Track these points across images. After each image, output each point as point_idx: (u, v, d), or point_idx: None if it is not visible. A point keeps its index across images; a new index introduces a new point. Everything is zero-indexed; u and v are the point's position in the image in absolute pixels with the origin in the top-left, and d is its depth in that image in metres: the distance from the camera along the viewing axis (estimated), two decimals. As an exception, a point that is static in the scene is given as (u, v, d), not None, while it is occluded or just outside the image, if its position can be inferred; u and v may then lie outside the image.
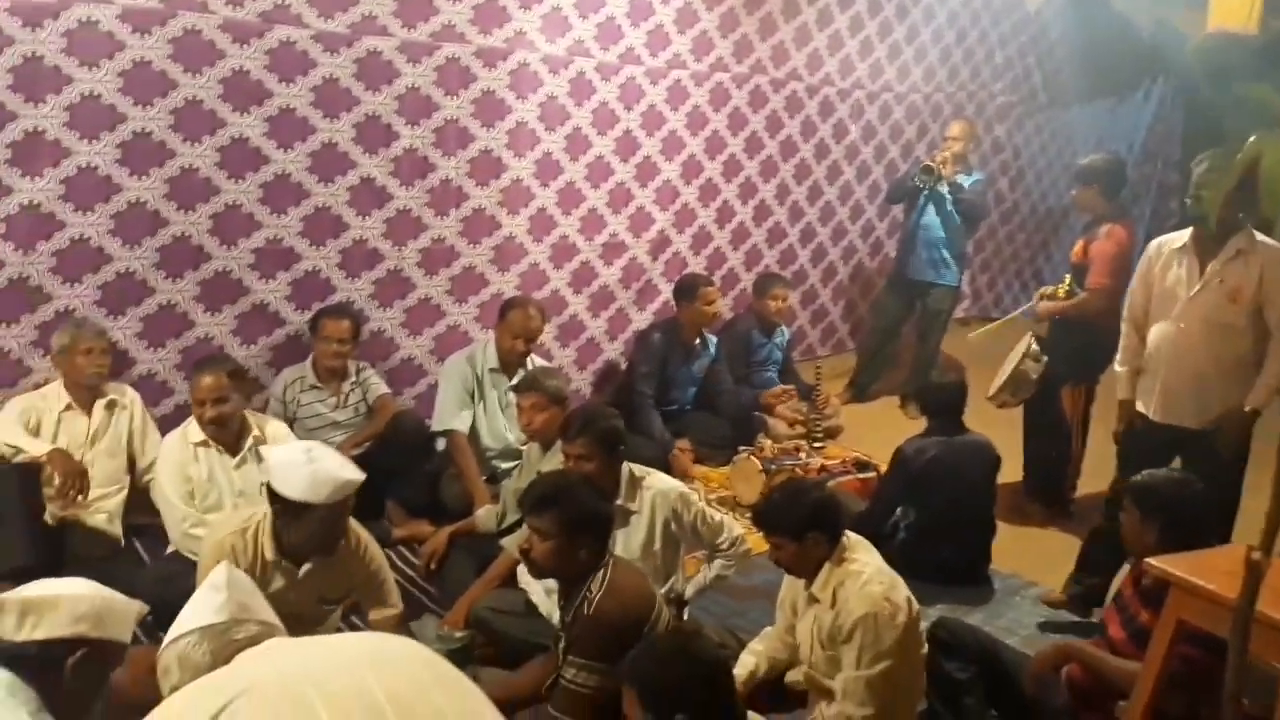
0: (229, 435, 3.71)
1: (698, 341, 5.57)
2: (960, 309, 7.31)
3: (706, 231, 6.20)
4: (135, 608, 2.14)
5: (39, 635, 1.96)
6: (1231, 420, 3.70)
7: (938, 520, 4.11)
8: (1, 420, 3.77)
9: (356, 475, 2.89)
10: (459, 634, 3.37)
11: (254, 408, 4.27)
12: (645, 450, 4.71)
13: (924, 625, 2.99)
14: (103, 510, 3.85)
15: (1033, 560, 4.32)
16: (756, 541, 3.40)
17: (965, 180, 6.15)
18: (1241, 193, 3.67)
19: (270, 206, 4.54)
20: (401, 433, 4.37)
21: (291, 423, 4.27)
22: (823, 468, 4.99)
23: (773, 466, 4.83)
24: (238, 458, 3.72)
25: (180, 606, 1.94)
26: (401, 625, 3.12)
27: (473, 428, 4.58)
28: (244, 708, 1.57)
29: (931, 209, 6.19)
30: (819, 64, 6.48)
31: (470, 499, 4.27)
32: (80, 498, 3.66)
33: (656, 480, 3.44)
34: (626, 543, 3.31)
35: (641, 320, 5.94)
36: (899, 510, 4.26)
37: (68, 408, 3.88)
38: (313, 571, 2.98)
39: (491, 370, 4.65)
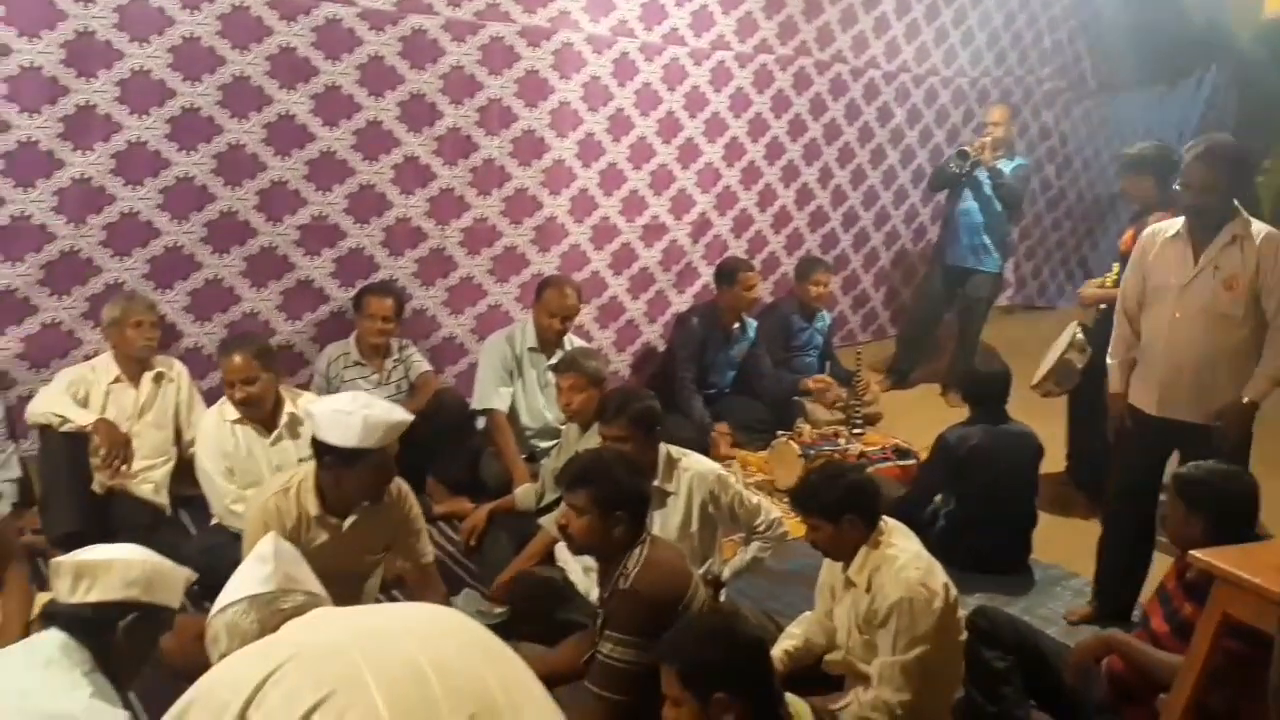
0: (262, 413, 3.73)
1: (737, 325, 5.55)
2: (1004, 297, 7.25)
3: (748, 214, 6.17)
4: (184, 574, 2.19)
5: (92, 598, 2.02)
6: (1230, 413, 3.54)
7: (978, 509, 4.09)
8: (51, 390, 3.84)
9: (406, 416, 2.96)
10: (498, 609, 3.41)
11: (297, 384, 4.32)
12: (683, 432, 4.71)
13: (963, 613, 2.97)
14: (149, 481, 3.92)
15: (1075, 551, 4.27)
16: (794, 526, 3.40)
17: (1007, 166, 6.07)
18: (1234, 178, 3.50)
19: (315, 184, 4.58)
20: (443, 410, 4.40)
21: (334, 399, 4.30)
22: (862, 454, 4.97)
23: (811, 451, 4.82)
24: (273, 435, 3.75)
25: (224, 576, 1.97)
26: (433, 575, 3.23)
27: (512, 407, 4.61)
28: (292, 672, 1.60)
29: (971, 195, 6.13)
30: (865, 46, 6.43)
31: (509, 477, 4.30)
32: (124, 467, 3.73)
33: (694, 462, 3.44)
34: (664, 524, 3.31)
35: (681, 303, 5.93)
36: (939, 498, 4.24)
37: (116, 380, 3.95)
38: (356, 524, 3.03)
39: (530, 350, 4.67)
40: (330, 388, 4.40)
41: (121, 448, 3.72)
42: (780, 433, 5.09)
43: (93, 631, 2.00)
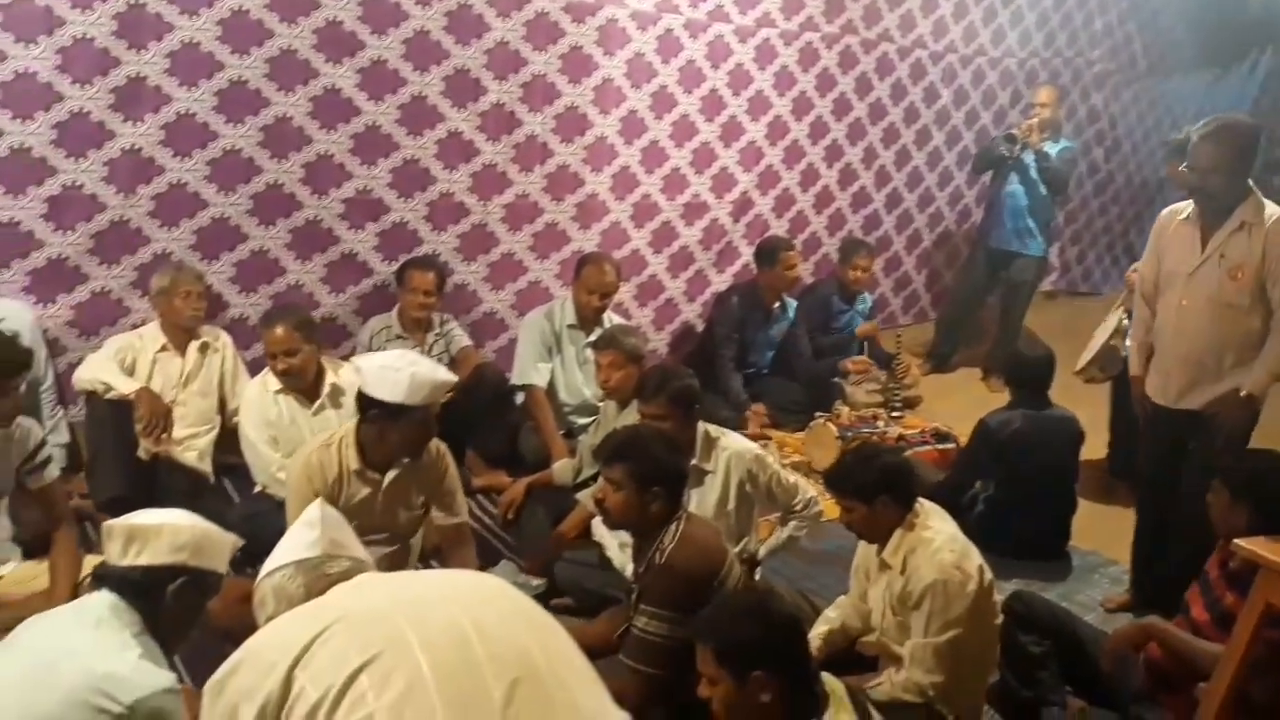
0: (304, 384, 3.78)
1: (777, 305, 5.54)
2: (1048, 282, 7.18)
3: (790, 194, 6.14)
4: (231, 540, 2.23)
5: (143, 561, 2.06)
6: (1227, 404, 3.41)
7: (1017, 494, 4.06)
8: (98, 357, 3.91)
9: (450, 377, 3.08)
10: (535, 582, 3.44)
11: (340, 355, 4.36)
12: (721, 411, 4.72)
13: (1000, 598, 2.96)
14: (193, 448, 3.99)
15: (1114, 538, 4.23)
16: (829, 507, 3.39)
17: (1053, 148, 5.99)
18: (1243, 160, 3.33)
19: (360, 158, 4.61)
20: (483, 384, 4.43)
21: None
22: (901, 437, 4.95)
23: (849, 434, 4.81)
24: (315, 404, 3.80)
25: (266, 543, 2.01)
26: (466, 533, 3.33)
27: (550, 383, 4.63)
28: (339, 634, 1.63)
29: (1016, 177, 6.05)
30: (912, 25, 6.35)
31: (547, 452, 4.33)
32: (164, 436, 3.79)
33: (732, 441, 3.44)
34: (701, 502, 3.32)
35: (720, 282, 5.92)
36: (978, 482, 4.22)
37: (163, 348, 4.01)
38: (395, 480, 3.12)
39: (569, 326, 4.69)
40: (372, 360, 4.45)
41: (162, 417, 3.78)
42: (818, 414, 5.08)
43: (142, 594, 2.05)
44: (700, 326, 5.87)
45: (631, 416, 3.62)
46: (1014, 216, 6.08)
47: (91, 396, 3.81)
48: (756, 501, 3.45)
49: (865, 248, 5.96)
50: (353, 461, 3.08)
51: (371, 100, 4.56)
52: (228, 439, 4.04)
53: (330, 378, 3.84)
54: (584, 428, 4.51)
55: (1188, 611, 2.97)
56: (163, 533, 2.09)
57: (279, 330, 3.69)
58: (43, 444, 3.04)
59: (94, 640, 1.97)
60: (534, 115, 5.01)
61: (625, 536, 3.13)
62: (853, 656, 3.00)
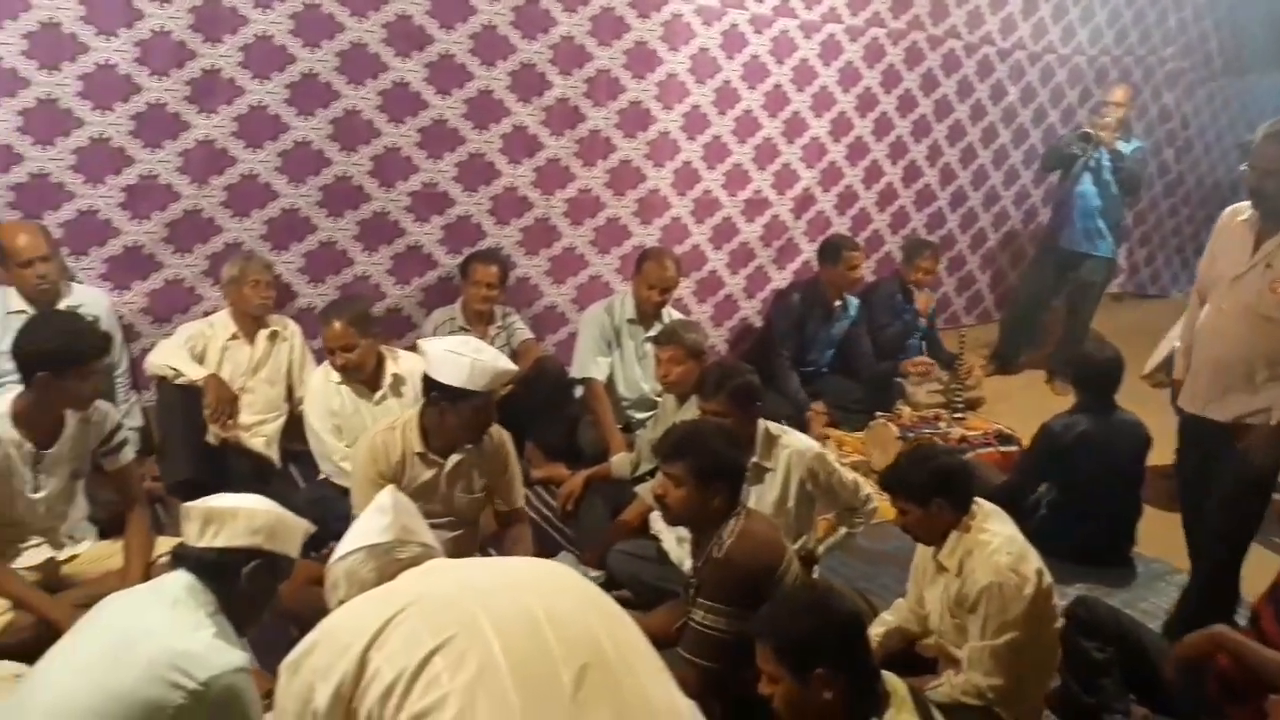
0: (364, 375, 3.84)
1: (838, 303, 5.50)
2: (1115, 283, 7.04)
3: (853, 191, 6.10)
4: (304, 525, 2.27)
5: (219, 543, 2.11)
6: (1258, 439, 3.19)
7: (1081, 498, 4.00)
8: (169, 344, 4.01)
9: (511, 366, 3.16)
10: (594, 574, 3.46)
11: (404, 346, 4.42)
12: (780, 410, 4.70)
13: (1062, 603, 2.92)
14: (261, 434, 4.07)
15: (1180, 546, 4.15)
16: (885, 506, 3.37)
17: (1125, 148, 5.88)
18: None
19: (427, 151, 4.67)
20: (543, 377, 4.46)
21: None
22: (963, 438, 4.90)
23: (910, 434, 4.77)
24: (377, 395, 3.85)
25: (331, 528, 2.05)
26: (523, 517, 3.43)
27: (609, 377, 4.65)
28: (412, 617, 1.67)
29: (1088, 177, 5.94)
30: (980, 21, 6.28)
31: (605, 445, 4.35)
32: (231, 422, 3.87)
33: (793, 439, 3.43)
34: (760, 500, 3.31)
35: (780, 279, 5.90)
36: (1041, 486, 4.16)
37: (233, 337, 4.09)
38: (457, 464, 3.19)
39: (629, 321, 4.70)
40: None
41: (228, 404, 3.87)
42: (879, 414, 5.04)
43: (217, 575, 2.10)
44: (759, 323, 5.85)
45: (690, 412, 3.62)
46: (1084, 217, 5.98)
47: (162, 382, 3.91)
48: (818, 499, 3.43)
49: (930, 248, 5.89)
50: (416, 445, 3.15)
51: (439, 94, 4.61)
52: (294, 426, 4.12)
53: (391, 367, 3.88)
54: (642, 422, 4.52)
55: (1257, 622, 2.90)
56: (239, 516, 2.14)
57: (335, 326, 3.75)
58: (119, 427, 3.13)
59: (171, 619, 2.01)
60: (598, 110, 5.03)
61: (683, 531, 3.14)
62: (910, 658, 2.99)
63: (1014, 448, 4.81)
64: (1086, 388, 4.18)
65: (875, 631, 3.02)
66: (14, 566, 2.95)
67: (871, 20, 5.82)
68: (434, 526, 2.13)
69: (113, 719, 1.86)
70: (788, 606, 2.23)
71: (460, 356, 3.01)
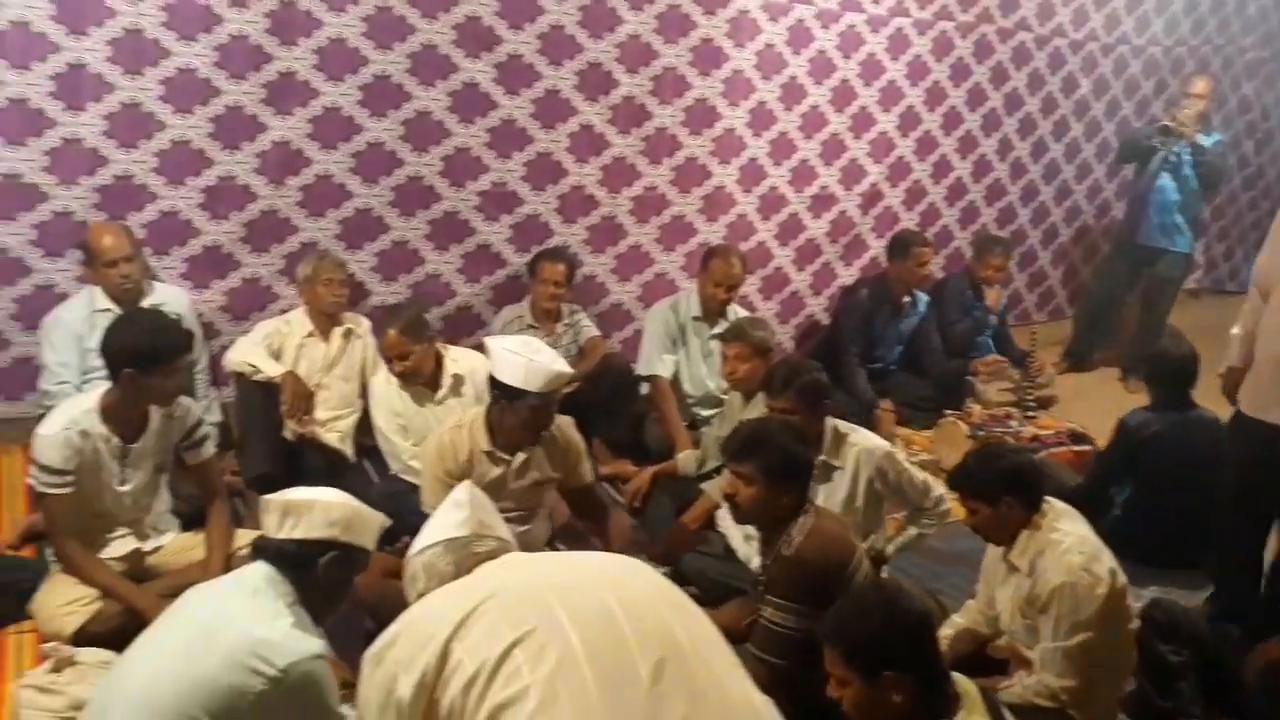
0: (424, 378, 3.88)
1: (906, 299, 5.44)
2: (1192, 279, 6.86)
3: (921, 186, 6.03)
4: (379, 519, 2.32)
5: (297, 535, 2.17)
6: None
7: (1158, 498, 3.92)
8: (247, 341, 4.10)
9: (567, 369, 3.20)
10: (660, 570, 3.46)
11: (473, 345, 4.47)
12: (848, 408, 4.67)
13: (1138, 605, 2.88)
14: (336, 430, 4.14)
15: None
16: (957, 506, 3.34)
17: (1205, 141, 5.74)
18: None
19: (496, 151, 4.72)
20: (609, 374, 4.50)
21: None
22: (1035, 437, 4.82)
23: (981, 432, 4.71)
24: (439, 395, 3.89)
25: (403, 522, 2.10)
26: (597, 493, 3.53)
27: (675, 374, 4.66)
28: (493, 608, 1.71)
29: (1166, 171, 5.81)
30: (1051, 13, 6.16)
31: (671, 442, 4.36)
32: (307, 417, 3.96)
33: (861, 437, 3.42)
34: (828, 498, 3.30)
35: (848, 275, 5.86)
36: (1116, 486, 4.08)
37: (309, 334, 4.17)
38: (525, 461, 3.24)
39: (694, 318, 4.71)
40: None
41: (304, 400, 3.96)
42: (948, 412, 4.99)
43: (296, 566, 2.16)
44: (826, 320, 5.82)
45: (757, 409, 3.62)
46: (1161, 211, 5.84)
47: (240, 378, 4.00)
48: (886, 498, 3.41)
49: (1001, 244, 5.79)
50: (482, 443, 3.21)
51: (507, 94, 4.67)
52: (368, 422, 4.16)
53: (451, 367, 3.91)
54: (707, 419, 4.53)
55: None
56: (315, 508, 2.19)
57: (390, 334, 3.80)
58: (200, 422, 3.22)
59: (251, 608, 2.08)
60: (664, 108, 5.05)
61: (750, 528, 3.14)
62: (981, 660, 2.96)
63: (1087, 447, 4.72)
64: (1161, 385, 4.09)
65: (945, 634, 3.00)
66: (101, 557, 3.06)
67: (940, 14, 5.75)
68: (505, 522, 2.17)
69: (197, 704, 1.93)
70: (855, 607, 2.21)
71: (517, 356, 3.06)
